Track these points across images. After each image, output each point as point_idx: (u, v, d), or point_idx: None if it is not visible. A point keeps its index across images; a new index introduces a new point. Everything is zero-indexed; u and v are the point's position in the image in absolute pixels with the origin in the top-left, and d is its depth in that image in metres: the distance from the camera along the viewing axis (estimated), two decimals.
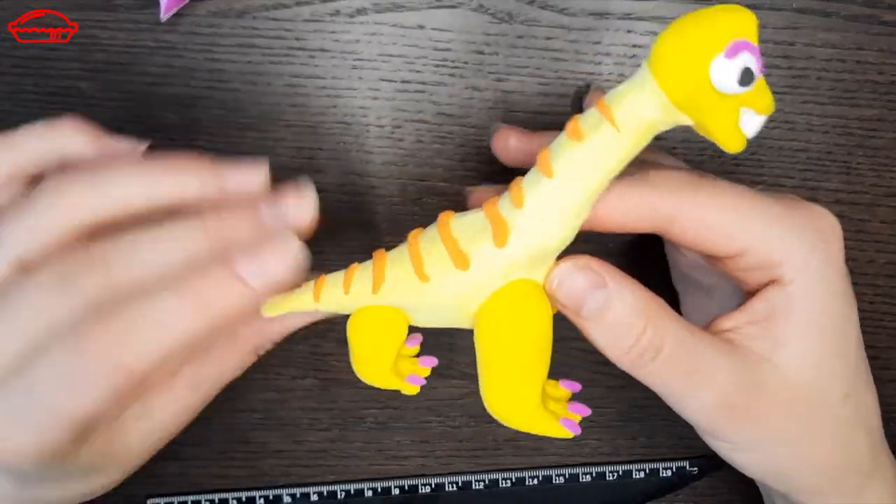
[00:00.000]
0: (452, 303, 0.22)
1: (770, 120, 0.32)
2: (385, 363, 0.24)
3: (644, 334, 0.22)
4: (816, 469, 0.25)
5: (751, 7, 0.31)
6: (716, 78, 0.18)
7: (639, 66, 0.20)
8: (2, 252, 0.22)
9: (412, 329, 0.24)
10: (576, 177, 0.20)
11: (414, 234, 0.23)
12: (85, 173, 0.23)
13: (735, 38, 0.18)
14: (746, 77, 0.18)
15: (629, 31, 0.31)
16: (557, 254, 0.22)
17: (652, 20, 0.31)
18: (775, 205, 0.23)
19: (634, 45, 0.31)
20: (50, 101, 0.31)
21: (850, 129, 0.32)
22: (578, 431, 0.23)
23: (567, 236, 0.21)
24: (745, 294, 0.25)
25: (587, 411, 0.24)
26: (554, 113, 0.31)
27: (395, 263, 0.23)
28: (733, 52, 0.18)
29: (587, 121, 0.20)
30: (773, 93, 0.32)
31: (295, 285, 0.24)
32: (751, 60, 0.18)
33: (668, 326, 0.22)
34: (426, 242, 0.22)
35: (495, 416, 0.23)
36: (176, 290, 0.22)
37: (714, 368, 0.23)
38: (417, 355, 0.26)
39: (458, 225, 0.22)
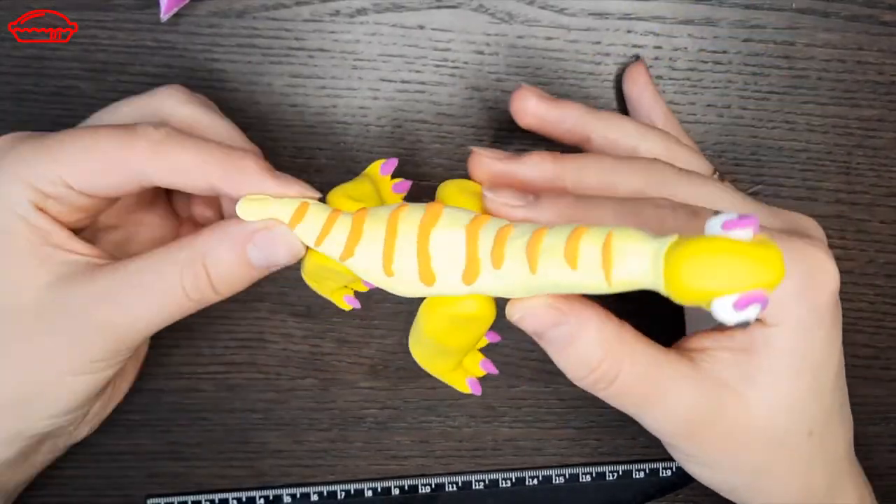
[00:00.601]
0: (408, 296, 0.24)
1: (770, 120, 0.32)
2: (331, 288, 0.27)
3: (599, 367, 0.22)
4: (773, 498, 0.25)
5: (750, 7, 0.31)
6: (716, 311, 0.18)
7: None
8: None
9: (400, 174, 0.27)
10: (551, 286, 0.21)
11: (395, 215, 0.23)
12: None
13: (754, 289, 0.17)
14: (744, 324, 0.18)
15: (629, 32, 0.31)
16: None
17: (651, 20, 0.31)
18: (778, 241, 0.23)
19: (634, 46, 0.31)
20: (50, 101, 0.31)
21: (849, 129, 0.32)
22: (478, 391, 0.26)
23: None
24: None
25: (494, 370, 0.27)
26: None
27: (368, 241, 0.23)
28: (744, 304, 0.17)
29: (586, 255, 0.20)
30: (774, 93, 0.32)
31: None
32: (755, 313, 0.18)
33: (625, 357, 0.22)
34: (403, 237, 0.23)
35: (416, 360, 0.26)
36: (190, 259, 0.24)
37: (672, 391, 0.23)
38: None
39: (437, 241, 0.22)
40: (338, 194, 0.25)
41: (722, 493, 0.26)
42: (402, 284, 0.23)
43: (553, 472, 0.34)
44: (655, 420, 0.24)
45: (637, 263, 0.19)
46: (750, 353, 0.23)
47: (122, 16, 0.30)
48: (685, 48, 0.31)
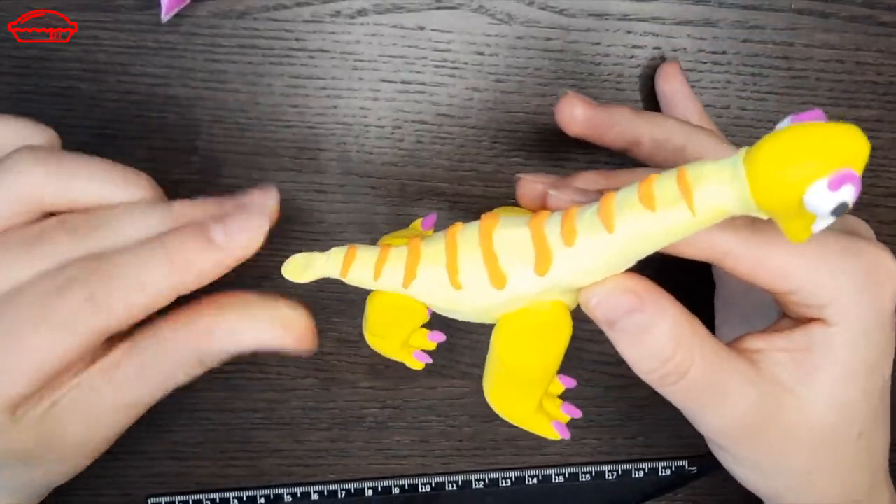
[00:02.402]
0: (480, 312, 0.22)
1: (769, 121, 0.32)
2: (397, 340, 0.25)
3: (672, 360, 0.22)
4: (818, 499, 0.25)
5: (750, 8, 0.31)
6: (810, 200, 0.17)
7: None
8: None
9: None
10: (636, 242, 0.20)
11: (453, 232, 0.23)
12: (53, 156, 0.24)
13: (843, 167, 0.17)
14: (841, 209, 0.17)
15: (628, 32, 0.31)
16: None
17: (651, 21, 0.31)
18: (832, 245, 0.23)
19: (634, 46, 0.31)
20: (50, 101, 0.31)
21: None
22: (567, 435, 0.24)
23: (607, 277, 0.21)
24: (785, 318, 0.24)
25: (578, 413, 0.24)
26: (553, 114, 0.31)
27: (429, 260, 0.22)
28: (838, 183, 0.17)
29: (663, 190, 0.19)
30: (773, 94, 0.32)
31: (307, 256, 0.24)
32: (851, 194, 0.17)
33: (696, 351, 0.22)
34: (465, 247, 0.22)
35: (492, 408, 0.24)
36: (150, 244, 0.22)
37: (734, 392, 0.23)
38: (427, 325, 0.26)
39: (501, 239, 0.22)
40: (384, 240, 0.24)
41: (763, 497, 0.26)
42: (473, 295, 0.22)
43: (553, 472, 0.34)
44: (714, 420, 0.23)
45: (717, 180, 0.18)
46: (808, 352, 0.23)
47: (122, 16, 0.30)
48: (684, 49, 0.31)
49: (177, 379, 0.24)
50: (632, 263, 0.21)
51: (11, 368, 0.22)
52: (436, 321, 0.25)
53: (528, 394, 0.23)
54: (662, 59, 0.31)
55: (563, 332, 0.22)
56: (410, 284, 0.23)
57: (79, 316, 0.22)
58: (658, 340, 0.22)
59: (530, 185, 0.24)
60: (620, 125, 0.26)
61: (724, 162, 0.19)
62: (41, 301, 0.22)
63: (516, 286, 0.21)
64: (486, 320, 0.23)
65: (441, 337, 0.26)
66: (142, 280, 0.22)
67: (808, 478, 0.25)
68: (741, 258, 0.22)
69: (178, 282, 0.23)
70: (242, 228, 0.23)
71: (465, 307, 0.22)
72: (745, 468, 0.25)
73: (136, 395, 0.24)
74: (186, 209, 0.24)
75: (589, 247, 0.20)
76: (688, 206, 0.19)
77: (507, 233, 0.22)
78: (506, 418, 0.24)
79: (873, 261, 0.23)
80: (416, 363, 0.25)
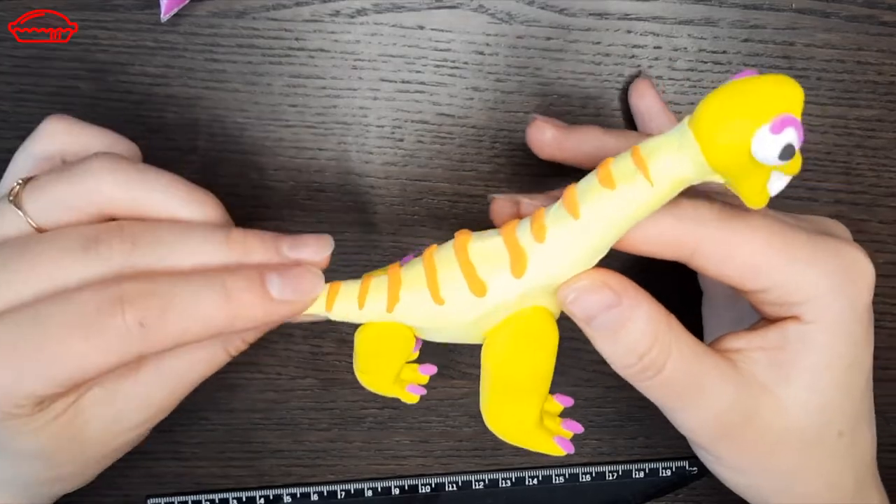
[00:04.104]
0: (466, 326, 0.23)
1: None
2: (389, 375, 0.25)
3: (648, 354, 0.22)
4: (801, 499, 0.25)
5: (750, 8, 0.31)
6: (757, 149, 0.18)
7: (680, 118, 0.20)
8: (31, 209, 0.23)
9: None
10: (601, 223, 0.20)
11: (429, 253, 0.23)
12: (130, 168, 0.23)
13: (782, 112, 0.18)
14: (788, 152, 0.18)
15: (629, 32, 0.31)
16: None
17: (651, 20, 0.31)
18: (806, 242, 0.23)
19: (634, 46, 0.31)
20: (50, 101, 0.31)
21: (849, 129, 0.32)
22: (571, 450, 0.24)
23: (585, 269, 0.22)
24: (763, 319, 0.25)
25: (579, 428, 0.24)
26: (554, 114, 0.31)
27: (410, 283, 0.23)
28: (779, 127, 0.18)
29: (620, 168, 0.20)
30: None
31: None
32: (794, 136, 0.18)
33: (673, 347, 0.22)
34: (443, 263, 0.23)
35: (493, 431, 0.24)
36: (210, 281, 0.22)
37: (711, 389, 0.23)
38: (417, 361, 0.26)
39: (476, 249, 0.22)
40: (365, 276, 0.25)
41: (748, 499, 0.26)
42: (456, 308, 0.22)
43: (553, 472, 0.34)
44: (691, 418, 0.24)
45: (668, 149, 0.19)
46: (785, 351, 0.23)
47: (122, 16, 0.30)
48: (685, 48, 0.31)
49: (204, 373, 0.25)
50: (604, 252, 0.21)
51: (44, 370, 0.21)
52: (426, 352, 0.26)
53: (524, 407, 0.23)
54: (638, 74, 0.31)
55: (548, 337, 0.22)
56: (394, 308, 0.23)
57: (127, 339, 0.21)
58: (634, 335, 0.22)
59: (502, 202, 0.24)
60: (589, 146, 0.27)
61: (672, 131, 0.20)
62: (91, 313, 0.21)
63: (496, 292, 0.22)
64: (473, 339, 0.23)
65: (433, 369, 0.26)
66: (196, 315, 0.22)
67: (790, 479, 0.25)
68: (710, 255, 0.22)
69: (229, 324, 0.22)
70: (298, 289, 0.23)
71: (450, 322, 0.23)
72: (725, 468, 0.25)
73: (161, 394, 0.25)
74: (243, 239, 0.23)
75: (559, 238, 0.21)
76: (645, 177, 0.20)
77: (481, 244, 0.22)
78: (507, 439, 0.24)
79: (847, 259, 0.23)
80: (411, 397, 0.26)
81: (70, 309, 0.21)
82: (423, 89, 0.31)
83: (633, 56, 0.31)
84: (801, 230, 0.23)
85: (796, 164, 0.19)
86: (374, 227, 0.32)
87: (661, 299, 0.23)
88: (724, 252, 0.22)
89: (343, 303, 0.24)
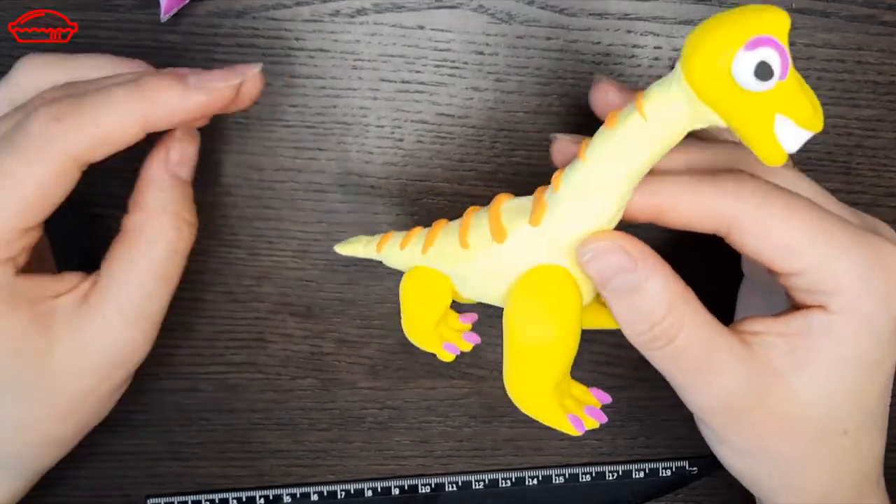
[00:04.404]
0: (488, 272, 0.24)
1: None
2: (428, 323, 0.26)
3: (660, 323, 0.22)
4: (797, 493, 0.25)
5: None
6: (736, 71, 0.18)
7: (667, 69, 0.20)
8: None
9: (468, 307, 0.27)
10: (605, 163, 0.21)
11: (469, 211, 0.25)
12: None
13: (759, 33, 0.18)
14: (763, 70, 0.18)
15: (629, 32, 0.31)
16: None
17: (651, 20, 0.31)
18: (846, 232, 0.22)
19: (634, 46, 0.31)
20: None
21: (850, 129, 0.32)
22: (583, 430, 0.24)
23: (602, 223, 0.22)
24: (790, 304, 0.24)
25: (603, 418, 0.24)
26: (554, 113, 0.31)
27: (446, 231, 0.25)
28: (753, 45, 0.18)
29: (622, 113, 0.21)
30: None
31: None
32: (771, 55, 0.18)
33: (686, 318, 0.22)
34: (477, 217, 0.24)
35: (510, 397, 0.24)
36: (123, 81, 0.24)
37: (723, 368, 0.23)
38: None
39: (508, 205, 0.24)
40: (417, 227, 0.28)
41: (744, 482, 0.26)
42: (478, 253, 0.23)
43: (553, 472, 0.34)
44: (700, 395, 0.23)
45: (661, 88, 0.20)
46: (805, 338, 0.23)
47: (121, 16, 0.30)
48: None
49: (157, 276, 0.25)
50: (617, 197, 0.22)
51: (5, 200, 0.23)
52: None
53: (538, 374, 0.23)
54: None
55: (565, 298, 0.22)
56: (427, 251, 0.25)
57: (47, 136, 0.22)
58: (648, 301, 0.22)
59: (563, 142, 0.25)
60: None
61: (668, 75, 0.20)
62: (10, 133, 0.23)
63: (515, 239, 0.23)
64: (498, 296, 0.24)
65: (476, 339, 0.27)
66: (109, 104, 0.23)
67: (789, 468, 0.24)
68: (747, 230, 0.22)
69: (147, 112, 0.23)
70: (218, 77, 0.24)
71: (472, 268, 0.24)
72: (727, 448, 0.25)
73: (119, 324, 0.25)
74: (153, 76, 0.24)
75: (570, 182, 0.22)
76: (639, 114, 0.20)
77: (514, 202, 0.24)
78: (523, 408, 0.24)
79: (886, 257, 0.23)
80: (446, 354, 0.27)
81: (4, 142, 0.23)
82: (422, 89, 0.31)
83: (633, 56, 0.31)
84: (843, 220, 0.23)
85: (804, 109, 0.19)
86: (374, 227, 0.32)
87: (689, 280, 0.23)
88: (761, 229, 0.22)
89: (389, 245, 0.26)
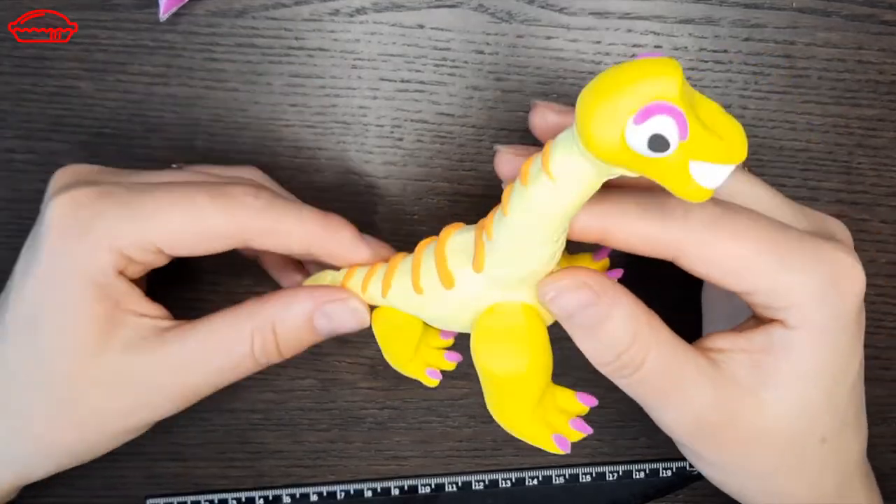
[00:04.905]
0: (447, 315, 0.24)
1: (771, 120, 0.32)
2: (405, 355, 0.26)
3: (627, 352, 0.22)
4: (778, 502, 0.25)
5: (751, 7, 0.31)
6: (630, 143, 0.17)
7: None
8: None
9: None
10: (525, 218, 0.20)
11: (420, 245, 0.24)
12: None
13: (648, 101, 0.17)
14: (657, 143, 0.17)
15: (629, 31, 0.31)
16: (543, 275, 0.22)
17: (652, 19, 0.31)
18: (795, 246, 0.22)
19: (635, 45, 0.31)
20: (50, 100, 0.31)
21: (850, 128, 0.32)
22: (568, 449, 0.24)
23: (543, 263, 0.22)
24: (752, 318, 0.24)
25: (587, 430, 0.24)
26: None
27: (400, 272, 0.24)
28: (643, 117, 0.17)
29: (533, 165, 0.20)
30: (774, 93, 0.32)
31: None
32: (664, 124, 0.17)
33: (652, 344, 0.22)
34: (426, 256, 0.24)
35: (496, 420, 0.24)
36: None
37: (690, 387, 0.23)
38: (451, 348, 0.27)
39: (453, 244, 0.23)
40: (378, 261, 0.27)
41: (732, 496, 0.26)
42: (432, 299, 0.23)
43: (553, 473, 0.34)
44: (669, 416, 0.24)
45: (564, 143, 0.19)
46: (768, 354, 0.23)
47: (121, 15, 0.30)
48: (686, 47, 0.31)
49: (221, 370, 0.25)
50: (547, 244, 0.21)
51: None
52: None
53: (512, 401, 0.23)
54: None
55: (530, 327, 0.22)
56: (387, 294, 0.25)
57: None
58: (613, 332, 0.22)
59: (506, 156, 0.25)
60: None
61: (569, 129, 0.19)
62: (221, 183, 0.26)
63: (463, 285, 0.23)
64: (461, 328, 0.24)
65: (458, 357, 0.27)
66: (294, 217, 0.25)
67: (770, 480, 0.25)
68: (694, 257, 0.22)
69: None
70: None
71: (430, 312, 0.24)
72: (707, 466, 0.25)
73: (171, 380, 0.25)
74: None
75: (499, 234, 0.21)
76: (547, 175, 0.19)
77: (458, 237, 0.23)
78: (507, 429, 0.24)
79: (836, 265, 0.23)
80: (429, 380, 0.27)
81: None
82: (422, 88, 0.31)
83: (633, 55, 0.31)
84: (792, 232, 0.23)
85: (719, 148, 0.17)
86: (374, 227, 0.32)
87: (661, 293, 0.23)
88: (708, 255, 0.22)
89: (352, 285, 0.26)
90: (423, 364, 0.27)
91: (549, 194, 0.20)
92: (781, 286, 0.22)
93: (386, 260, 0.26)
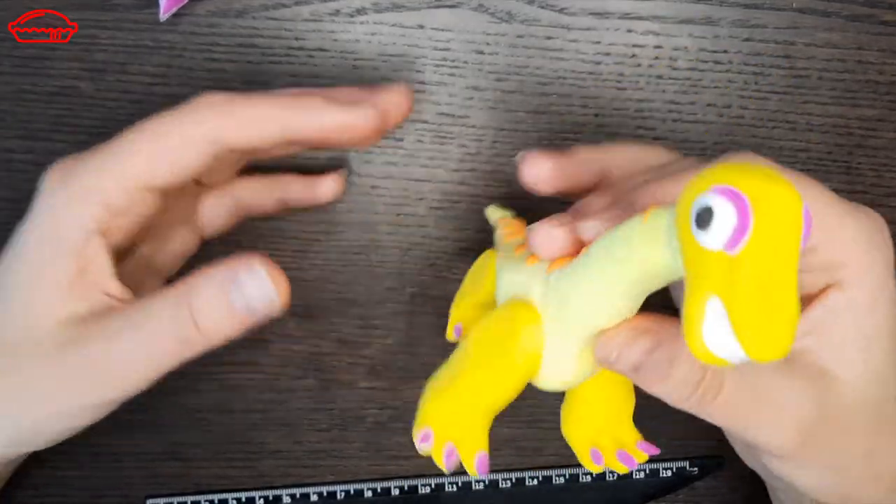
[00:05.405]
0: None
1: (770, 120, 0.32)
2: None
3: (704, 380, 0.21)
4: (879, 484, 0.24)
5: (751, 7, 0.31)
6: (692, 211, 0.15)
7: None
8: None
9: None
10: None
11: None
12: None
13: (734, 185, 0.15)
14: (703, 217, 0.15)
15: (629, 31, 0.31)
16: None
17: (652, 19, 0.31)
18: (841, 203, 0.22)
19: (634, 45, 0.31)
20: (50, 100, 0.31)
21: (850, 128, 0.32)
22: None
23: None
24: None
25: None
26: (553, 113, 0.31)
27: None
28: (716, 191, 0.15)
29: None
30: (774, 93, 0.32)
31: None
32: (722, 206, 0.14)
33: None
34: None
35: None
36: (278, 94, 0.26)
37: (779, 394, 0.22)
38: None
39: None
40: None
41: (830, 500, 0.24)
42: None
43: (553, 473, 0.34)
44: (767, 432, 0.22)
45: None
46: (833, 327, 0.22)
47: (121, 15, 0.30)
48: (685, 48, 0.31)
49: (160, 356, 0.24)
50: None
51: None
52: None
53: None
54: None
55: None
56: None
57: (200, 110, 0.25)
58: (684, 368, 0.20)
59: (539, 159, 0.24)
60: (593, 167, 0.25)
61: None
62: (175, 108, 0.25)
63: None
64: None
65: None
66: (257, 105, 0.25)
67: (868, 462, 0.23)
68: None
69: (288, 118, 0.25)
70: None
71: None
72: (807, 473, 0.24)
73: (116, 366, 0.24)
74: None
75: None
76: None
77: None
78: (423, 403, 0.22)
79: (874, 218, 0.23)
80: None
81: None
82: (422, 88, 0.31)
83: (633, 55, 0.31)
84: (832, 196, 0.23)
85: (748, 319, 0.14)
86: (374, 226, 0.32)
87: None
88: None
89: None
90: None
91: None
92: (841, 241, 0.22)
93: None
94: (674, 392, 0.21)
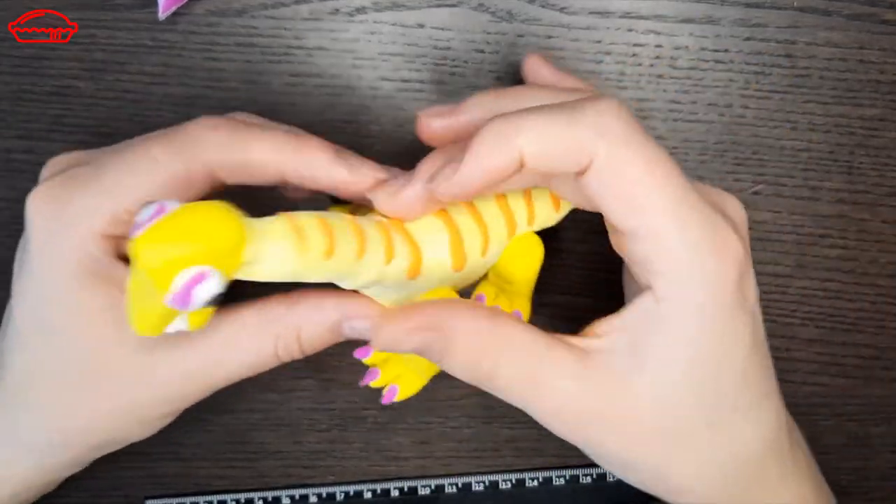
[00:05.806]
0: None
1: (772, 119, 0.32)
2: None
3: (479, 369, 0.23)
4: (679, 496, 0.24)
5: (752, 6, 0.31)
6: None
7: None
8: None
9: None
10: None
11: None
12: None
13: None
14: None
15: (630, 30, 0.31)
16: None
17: (653, 18, 0.31)
18: (692, 202, 0.21)
19: (635, 44, 0.31)
20: (49, 100, 0.31)
21: (852, 128, 0.32)
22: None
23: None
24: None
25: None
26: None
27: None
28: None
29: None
30: (775, 92, 0.32)
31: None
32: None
33: (503, 352, 0.22)
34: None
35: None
36: (288, 133, 0.25)
37: (547, 384, 0.22)
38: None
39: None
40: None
41: (637, 487, 0.25)
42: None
43: (553, 473, 0.34)
44: (541, 416, 0.23)
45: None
46: (641, 332, 0.22)
47: (120, 15, 0.30)
48: (686, 47, 0.31)
49: (241, 362, 0.25)
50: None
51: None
52: None
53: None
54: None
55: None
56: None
57: (198, 138, 0.24)
58: (462, 355, 0.22)
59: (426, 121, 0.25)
60: (484, 114, 0.24)
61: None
62: (171, 129, 0.25)
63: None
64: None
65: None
66: (262, 140, 0.24)
67: (658, 471, 0.23)
68: (602, 171, 0.21)
69: (291, 162, 0.24)
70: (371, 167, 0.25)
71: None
72: (599, 460, 0.25)
73: (211, 370, 0.25)
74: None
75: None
76: None
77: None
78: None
79: (718, 238, 0.22)
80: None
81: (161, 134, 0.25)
82: (422, 88, 0.31)
83: (634, 54, 0.31)
84: (696, 191, 0.22)
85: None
86: None
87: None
88: (615, 167, 0.21)
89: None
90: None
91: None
92: (664, 235, 0.21)
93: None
94: (458, 375, 0.23)
